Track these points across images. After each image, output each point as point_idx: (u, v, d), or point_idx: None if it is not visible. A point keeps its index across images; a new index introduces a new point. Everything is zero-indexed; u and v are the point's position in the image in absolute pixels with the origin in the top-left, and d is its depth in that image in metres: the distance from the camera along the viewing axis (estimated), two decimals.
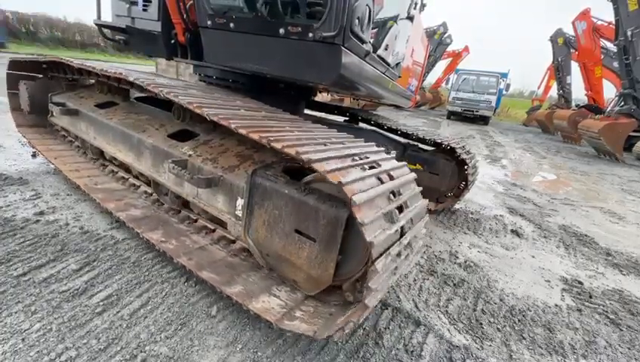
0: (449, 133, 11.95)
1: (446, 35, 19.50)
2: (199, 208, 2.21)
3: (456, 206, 4.22)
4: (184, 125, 2.45)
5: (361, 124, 4.45)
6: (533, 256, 3.18)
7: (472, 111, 17.81)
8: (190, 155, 2.08)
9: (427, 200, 1.87)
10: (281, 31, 1.91)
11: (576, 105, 15.25)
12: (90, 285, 1.85)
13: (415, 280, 2.44)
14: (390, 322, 1.95)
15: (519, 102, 34.99)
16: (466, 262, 2.84)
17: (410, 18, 3.06)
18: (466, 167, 3.55)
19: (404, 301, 2.17)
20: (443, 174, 3.83)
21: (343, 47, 1.81)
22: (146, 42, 2.92)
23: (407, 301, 2.18)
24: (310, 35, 1.82)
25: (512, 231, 3.74)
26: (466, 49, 22.75)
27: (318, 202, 1.52)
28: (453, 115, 18.98)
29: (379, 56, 2.42)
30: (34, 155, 3.72)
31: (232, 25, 2.12)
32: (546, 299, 2.46)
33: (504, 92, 21.31)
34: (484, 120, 18.20)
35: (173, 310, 1.77)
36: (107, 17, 3.07)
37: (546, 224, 4.14)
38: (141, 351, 1.49)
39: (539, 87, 22.57)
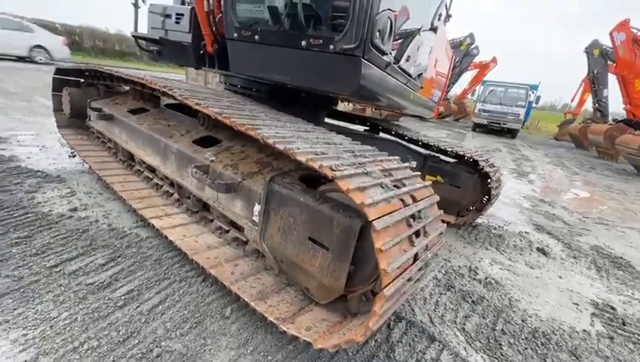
0: (474, 145, 11.62)
1: (473, 46, 19.13)
2: (218, 212, 2.28)
3: (479, 220, 4.08)
4: (208, 132, 2.55)
5: (382, 134, 4.44)
6: (560, 277, 3.01)
7: (499, 123, 17.26)
8: (212, 161, 2.16)
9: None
10: (303, 43, 1.97)
11: (614, 120, 14.39)
12: (114, 279, 1.95)
13: (431, 294, 2.38)
14: (403, 335, 1.90)
15: (551, 116, 33.55)
16: (486, 278, 2.73)
17: (434, 29, 3.06)
18: (489, 180, 3.44)
19: (418, 314, 2.11)
20: (464, 187, 3.72)
21: (363, 59, 1.84)
22: (177, 53, 3.09)
23: (422, 315, 2.12)
24: (331, 47, 1.86)
25: (539, 249, 3.56)
26: (494, 60, 22.18)
27: (333, 211, 1.52)
28: (478, 127, 18.46)
29: (400, 67, 2.42)
30: (72, 155, 3.99)
31: (256, 37, 2.21)
32: (573, 323, 2.32)
33: (534, 105, 20.53)
34: (511, 133, 17.57)
35: (189, 308, 1.82)
36: (143, 29, 3.29)
37: (577, 243, 3.91)
38: (157, 346, 1.54)
39: (572, 100, 21.52)
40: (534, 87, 19.48)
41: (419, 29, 2.60)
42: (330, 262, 1.55)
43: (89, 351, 1.46)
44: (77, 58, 21.85)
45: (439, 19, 3.00)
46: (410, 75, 2.74)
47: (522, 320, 2.25)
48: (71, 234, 2.35)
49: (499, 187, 3.72)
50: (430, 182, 1.81)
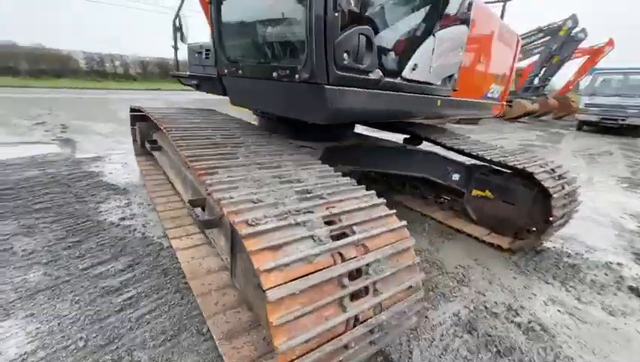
0: (572, 148, 9.57)
1: (576, 29, 15.99)
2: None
3: (547, 244, 3.31)
4: None
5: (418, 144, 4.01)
6: None
7: (616, 119, 13.83)
8: (209, 194, 2.25)
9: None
10: (274, 74, 1.96)
11: None
12: (124, 285, 2.19)
13: (443, 335, 1.99)
14: None
15: None
16: (530, 322, 2.16)
17: (465, 21, 2.63)
18: (551, 197, 2.75)
19: (416, 359, 1.79)
20: (520, 204, 3.07)
21: (327, 87, 1.72)
22: (210, 84, 3.40)
23: (422, 361, 1.79)
24: (296, 76, 1.80)
25: (632, 288, 2.67)
26: (610, 43, 18.09)
27: None
28: (586, 125, 15.18)
29: (404, 78, 2.17)
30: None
31: (240, 72, 2.30)
32: None
33: None
34: (635, 131, 13.90)
35: (173, 320, 1.91)
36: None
37: None
38: (128, 355, 1.66)
39: None
40: None
41: (430, 32, 2.28)
42: None
43: (74, 351, 1.66)
44: (176, 86, 26.06)
45: (469, 9, 2.56)
46: (427, 83, 2.42)
47: None
48: (110, 240, 2.74)
49: (569, 206, 2.94)
50: (404, 223, 1.52)
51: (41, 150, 5.64)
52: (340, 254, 1.25)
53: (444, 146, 3.49)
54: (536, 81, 18.39)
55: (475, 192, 3.41)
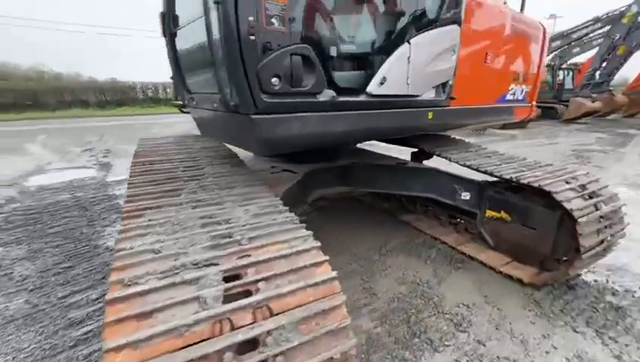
0: (639, 151, 8.12)
1: None
2: None
3: (586, 277, 2.70)
4: None
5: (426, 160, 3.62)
6: None
7: None
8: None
9: None
10: (215, 105, 1.88)
11: None
12: (88, 318, 2.18)
13: None
14: None
15: None
16: None
17: (455, 21, 2.30)
18: (576, 220, 2.22)
19: None
20: (542, 229, 2.55)
21: (253, 116, 1.57)
22: None
23: None
24: (227, 107, 1.69)
25: None
26: None
27: None
28: None
29: (370, 94, 1.92)
30: None
31: (194, 103, 2.25)
32: None
33: None
34: None
35: None
36: None
37: None
38: None
39: None
40: None
41: (402, 39, 2.01)
42: None
43: None
44: None
45: (457, 5, 2.22)
46: (406, 95, 2.13)
47: None
48: (98, 266, 2.81)
49: (606, 230, 2.36)
50: (334, 275, 1.22)
51: (81, 174, 6.21)
52: (230, 321, 1.03)
53: (449, 160, 3.08)
54: (597, 76, 16.27)
55: (488, 213, 2.93)
